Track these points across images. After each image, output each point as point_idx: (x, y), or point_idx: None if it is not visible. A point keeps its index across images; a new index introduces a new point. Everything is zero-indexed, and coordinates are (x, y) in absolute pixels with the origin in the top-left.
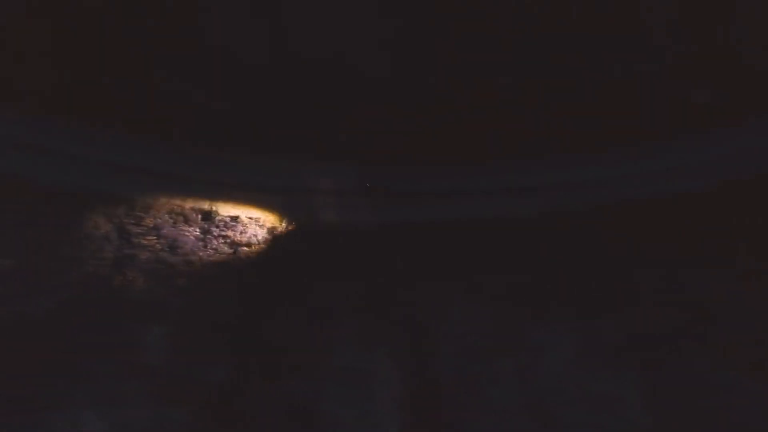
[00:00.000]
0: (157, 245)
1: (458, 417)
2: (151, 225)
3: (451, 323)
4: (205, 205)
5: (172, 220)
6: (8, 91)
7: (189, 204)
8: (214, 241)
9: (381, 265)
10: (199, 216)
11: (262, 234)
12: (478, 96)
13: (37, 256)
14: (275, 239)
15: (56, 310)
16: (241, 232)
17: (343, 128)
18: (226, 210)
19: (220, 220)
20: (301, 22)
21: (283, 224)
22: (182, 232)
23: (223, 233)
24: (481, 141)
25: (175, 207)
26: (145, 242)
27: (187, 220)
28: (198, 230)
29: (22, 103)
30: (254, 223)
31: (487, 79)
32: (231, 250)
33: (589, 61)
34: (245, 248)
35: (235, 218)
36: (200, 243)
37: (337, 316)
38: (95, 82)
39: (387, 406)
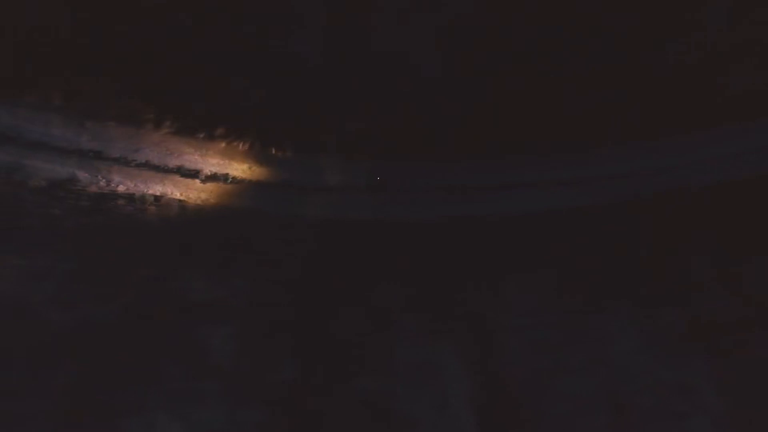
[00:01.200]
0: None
1: (533, 408)
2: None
3: (513, 317)
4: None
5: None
6: None
7: None
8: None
9: (432, 262)
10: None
11: (298, 233)
12: (530, 89)
13: (98, 259)
14: (312, 237)
15: (122, 314)
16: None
17: (396, 124)
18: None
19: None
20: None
21: (320, 221)
22: None
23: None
24: (533, 134)
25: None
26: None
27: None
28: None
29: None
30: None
31: (542, 71)
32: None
33: (645, 49)
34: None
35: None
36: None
37: (396, 314)
38: None
39: (460, 400)
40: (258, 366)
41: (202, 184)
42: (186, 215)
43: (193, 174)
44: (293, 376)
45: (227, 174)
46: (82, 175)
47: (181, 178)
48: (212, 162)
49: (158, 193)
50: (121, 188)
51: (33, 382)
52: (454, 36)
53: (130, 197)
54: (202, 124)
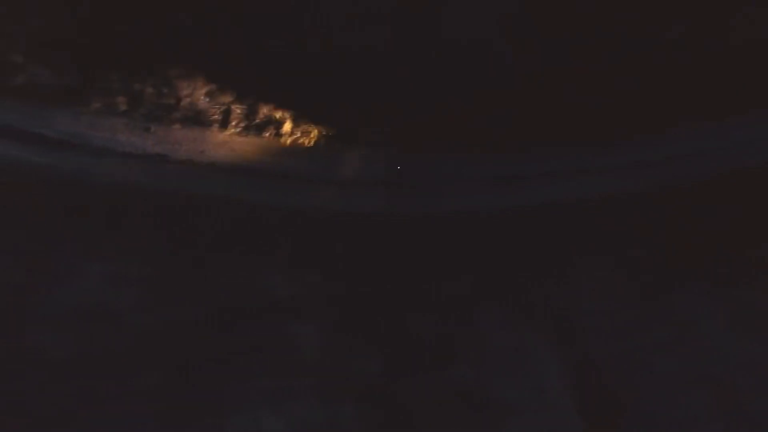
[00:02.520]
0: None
1: (628, 390)
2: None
3: (589, 301)
4: None
5: None
6: None
7: None
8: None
9: (495, 252)
10: None
11: (359, 227)
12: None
13: (173, 261)
14: (373, 231)
15: (206, 314)
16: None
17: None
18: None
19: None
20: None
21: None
22: None
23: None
24: (587, 120)
25: None
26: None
27: None
28: None
29: None
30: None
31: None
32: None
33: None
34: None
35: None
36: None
37: (472, 304)
38: None
39: (555, 384)
40: (344, 361)
41: (267, 183)
42: (254, 214)
43: (260, 174)
44: (379, 369)
45: (293, 172)
46: (149, 180)
47: (248, 178)
48: (279, 161)
49: (224, 194)
50: (186, 190)
51: (127, 385)
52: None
53: (196, 199)
54: (268, 123)
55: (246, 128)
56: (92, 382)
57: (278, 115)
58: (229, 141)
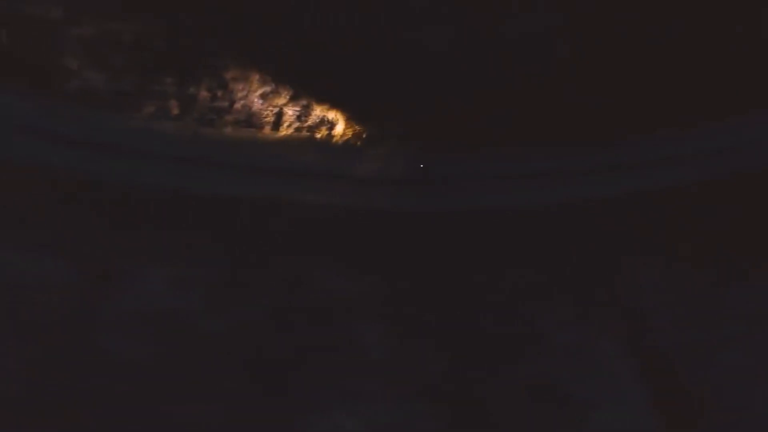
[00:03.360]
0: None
1: (699, 383)
2: None
3: (653, 294)
4: None
5: None
6: None
7: None
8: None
9: (554, 248)
10: None
11: (414, 227)
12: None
13: (233, 263)
14: (433, 229)
15: (272, 316)
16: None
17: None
18: None
19: None
20: None
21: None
22: None
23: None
24: (638, 114)
25: None
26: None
27: None
28: None
29: None
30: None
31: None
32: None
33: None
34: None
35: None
36: None
37: (536, 300)
38: None
39: (627, 377)
40: (412, 359)
41: (320, 184)
42: (307, 215)
43: (312, 174)
44: (447, 367)
45: (346, 172)
46: (202, 184)
47: (299, 179)
48: (331, 161)
49: (278, 196)
50: (240, 193)
51: (203, 388)
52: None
53: (251, 202)
54: (321, 124)
55: (298, 129)
56: (168, 385)
57: (331, 116)
58: (281, 142)
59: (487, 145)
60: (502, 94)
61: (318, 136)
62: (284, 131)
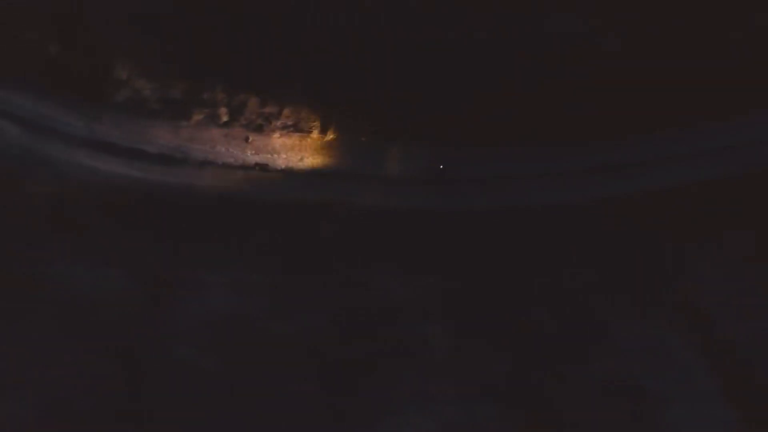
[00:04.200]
0: None
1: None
2: None
3: (715, 288)
4: None
5: None
6: None
7: None
8: None
9: (605, 245)
10: None
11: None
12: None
13: (290, 268)
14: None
15: (335, 319)
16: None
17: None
18: None
19: None
20: None
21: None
22: None
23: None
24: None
25: None
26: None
27: None
28: None
29: None
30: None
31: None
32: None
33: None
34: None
35: None
36: None
37: (596, 298)
38: None
39: (697, 374)
40: (476, 359)
41: (368, 186)
42: (356, 217)
43: (360, 177)
44: (511, 365)
45: (396, 174)
46: (252, 189)
47: (347, 184)
48: (379, 164)
49: (328, 201)
50: (290, 198)
51: (278, 392)
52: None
53: (300, 206)
54: (366, 129)
55: (343, 133)
56: (240, 390)
57: (375, 118)
58: (329, 146)
59: (505, 144)
60: (526, 95)
61: (362, 139)
62: (331, 135)
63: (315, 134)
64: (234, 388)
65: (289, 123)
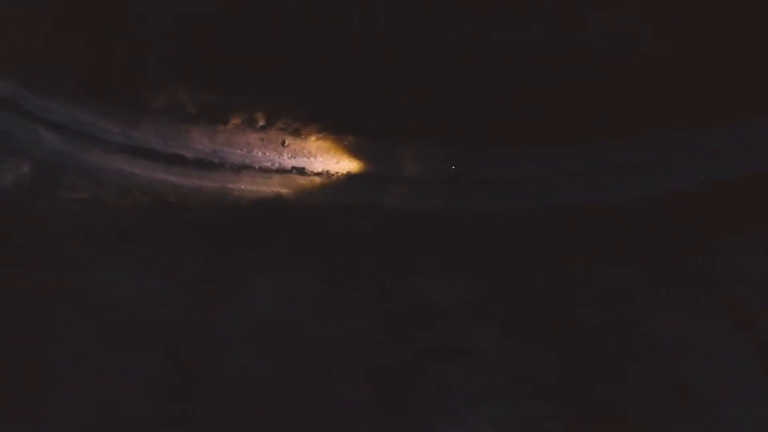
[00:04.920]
0: None
1: None
2: None
3: (759, 284)
4: None
5: None
6: None
7: None
8: None
9: (646, 240)
10: None
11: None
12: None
13: (330, 271)
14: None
15: (378, 321)
16: None
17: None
18: None
19: None
20: None
21: None
22: None
23: None
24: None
25: None
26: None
27: None
28: None
29: None
30: None
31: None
32: None
33: None
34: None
35: None
36: None
37: (639, 294)
38: None
39: (747, 371)
40: (524, 361)
41: (403, 188)
42: (392, 219)
43: (396, 179)
44: (559, 367)
45: (430, 175)
46: (289, 193)
47: (384, 186)
48: (414, 165)
49: (366, 203)
50: (327, 201)
51: (332, 397)
52: None
53: (338, 210)
54: (398, 131)
55: (380, 136)
56: (294, 395)
57: (412, 119)
58: (362, 149)
59: (518, 144)
60: (538, 93)
61: (392, 143)
62: (367, 140)
63: (350, 137)
64: (283, 392)
65: (326, 126)
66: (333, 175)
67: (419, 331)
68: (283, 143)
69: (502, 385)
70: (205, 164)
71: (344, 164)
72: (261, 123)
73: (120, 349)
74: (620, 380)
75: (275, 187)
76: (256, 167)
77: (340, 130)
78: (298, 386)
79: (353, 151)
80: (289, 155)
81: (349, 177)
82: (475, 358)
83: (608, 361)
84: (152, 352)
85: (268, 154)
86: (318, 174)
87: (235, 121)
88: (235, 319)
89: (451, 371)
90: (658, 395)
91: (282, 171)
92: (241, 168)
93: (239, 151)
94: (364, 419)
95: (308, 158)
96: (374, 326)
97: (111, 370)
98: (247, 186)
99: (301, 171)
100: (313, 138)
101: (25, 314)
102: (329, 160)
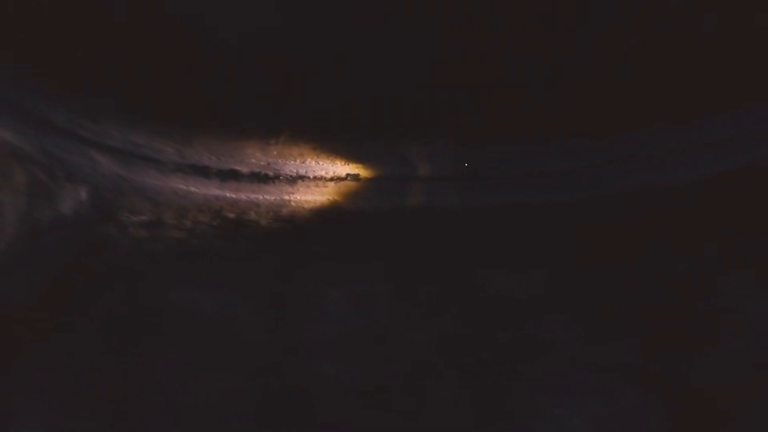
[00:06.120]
0: None
1: None
2: None
3: None
4: None
5: None
6: None
7: None
8: None
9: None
10: None
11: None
12: None
13: (402, 273)
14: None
15: (462, 321)
16: None
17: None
18: None
19: None
20: None
21: None
22: None
23: None
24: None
25: None
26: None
27: None
28: None
29: None
30: None
31: None
32: None
33: None
34: None
35: None
36: None
37: (720, 275)
38: None
39: None
40: (607, 350)
41: (464, 187)
42: (453, 218)
43: (457, 179)
44: (642, 352)
45: (487, 173)
46: (346, 200)
47: (446, 184)
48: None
49: (423, 204)
50: (383, 205)
51: (425, 398)
52: None
53: (396, 213)
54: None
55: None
56: (389, 401)
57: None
58: (413, 154)
59: (528, 140)
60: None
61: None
62: (415, 147)
63: (404, 142)
64: (378, 399)
65: (378, 132)
66: (387, 179)
67: (499, 328)
68: (335, 151)
69: (589, 376)
70: (260, 177)
71: (398, 168)
72: (312, 133)
73: (209, 367)
74: (704, 361)
75: (331, 195)
76: (311, 177)
77: (392, 135)
78: (391, 393)
79: (407, 156)
80: (343, 162)
81: (403, 180)
82: (559, 351)
83: (690, 342)
84: (241, 366)
85: (321, 163)
86: (372, 179)
87: (287, 132)
88: (317, 329)
89: (537, 367)
90: (742, 373)
91: (337, 179)
92: (296, 179)
93: (293, 162)
94: (460, 422)
95: (361, 164)
96: (453, 327)
97: (201, 388)
98: (304, 196)
99: (356, 177)
100: (365, 144)
101: (111, 341)
102: (383, 165)
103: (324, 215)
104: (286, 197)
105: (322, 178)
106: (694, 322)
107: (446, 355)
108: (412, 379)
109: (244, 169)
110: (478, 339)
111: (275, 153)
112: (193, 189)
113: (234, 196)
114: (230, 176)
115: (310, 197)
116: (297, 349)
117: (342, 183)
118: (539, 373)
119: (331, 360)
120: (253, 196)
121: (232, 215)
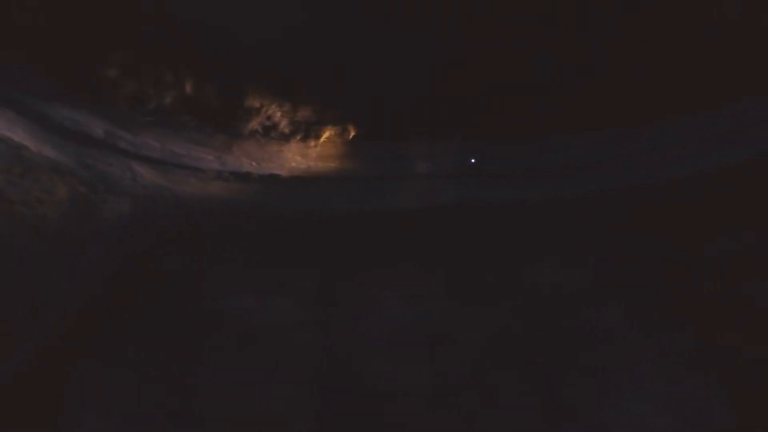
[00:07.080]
0: None
1: None
2: None
3: None
4: None
5: None
6: None
7: None
8: None
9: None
10: None
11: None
12: None
13: (448, 272)
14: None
15: (515, 315)
16: None
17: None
18: None
19: None
20: None
21: None
22: None
23: None
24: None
25: None
26: None
27: None
28: None
29: None
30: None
31: None
32: None
33: None
34: None
35: None
36: None
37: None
38: None
39: None
40: (664, 337)
41: (500, 183)
42: (493, 214)
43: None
44: (697, 337)
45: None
46: (388, 199)
47: (456, 184)
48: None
49: (460, 201)
50: (425, 203)
51: (490, 396)
52: None
53: (438, 210)
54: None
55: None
56: (459, 402)
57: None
58: (453, 151)
59: (533, 137)
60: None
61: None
62: (457, 144)
63: (442, 140)
64: (443, 398)
65: (419, 131)
66: (427, 177)
67: (554, 322)
68: (374, 150)
69: (649, 364)
70: (300, 181)
71: (438, 166)
72: (352, 134)
73: (263, 372)
74: (754, 342)
75: (372, 194)
76: (351, 178)
77: (432, 133)
78: (455, 391)
79: (445, 154)
80: (383, 161)
81: (443, 177)
82: (618, 341)
83: (738, 323)
84: (294, 372)
85: (362, 164)
86: (412, 177)
87: (326, 135)
88: (370, 330)
89: (598, 358)
90: None
91: (379, 178)
92: (337, 180)
93: (333, 165)
94: (530, 417)
95: (401, 163)
96: (509, 324)
97: (258, 394)
98: (345, 197)
99: (396, 176)
100: (406, 143)
101: (170, 350)
102: (424, 163)
103: (367, 215)
104: (328, 199)
105: (363, 178)
106: (741, 306)
107: (506, 352)
108: (474, 377)
109: (285, 174)
110: (536, 336)
111: (315, 156)
112: (233, 196)
113: (276, 201)
114: (271, 181)
115: (351, 198)
116: (348, 348)
117: (382, 182)
118: (601, 364)
119: (388, 361)
120: (294, 199)
121: (274, 220)
